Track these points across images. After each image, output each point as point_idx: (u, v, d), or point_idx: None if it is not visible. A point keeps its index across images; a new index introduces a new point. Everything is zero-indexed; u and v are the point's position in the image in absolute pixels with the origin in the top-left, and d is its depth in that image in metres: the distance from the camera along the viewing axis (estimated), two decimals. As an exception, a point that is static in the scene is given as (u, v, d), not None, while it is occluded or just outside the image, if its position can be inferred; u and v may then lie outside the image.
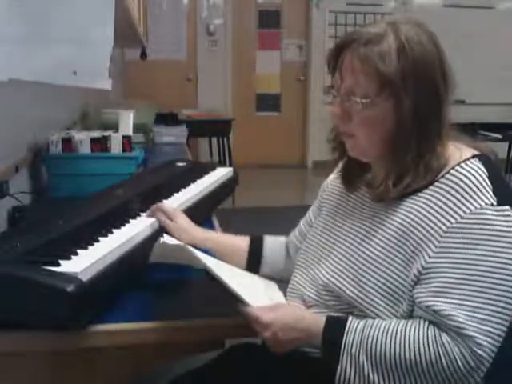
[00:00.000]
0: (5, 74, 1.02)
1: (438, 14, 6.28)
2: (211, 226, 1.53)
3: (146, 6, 3.98)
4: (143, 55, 4.25)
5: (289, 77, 6.53)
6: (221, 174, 1.80)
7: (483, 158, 0.93)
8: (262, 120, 6.63)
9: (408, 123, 0.91)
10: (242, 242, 1.25)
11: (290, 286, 1.12)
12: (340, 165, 1.11)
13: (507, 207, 0.87)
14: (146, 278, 1.11)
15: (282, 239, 1.27)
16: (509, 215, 0.87)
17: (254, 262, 1.23)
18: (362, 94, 0.92)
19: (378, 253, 0.94)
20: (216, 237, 1.28)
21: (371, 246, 0.95)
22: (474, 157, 0.92)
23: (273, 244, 1.25)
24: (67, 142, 1.83)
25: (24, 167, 1.72)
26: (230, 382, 1.03)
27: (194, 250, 0.98)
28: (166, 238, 1.05)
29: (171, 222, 1.22)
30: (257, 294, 1.08)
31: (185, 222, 1.24)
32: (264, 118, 6.64)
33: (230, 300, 0.95)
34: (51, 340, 0.96)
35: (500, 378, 0.92)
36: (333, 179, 1.17)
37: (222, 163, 4.95)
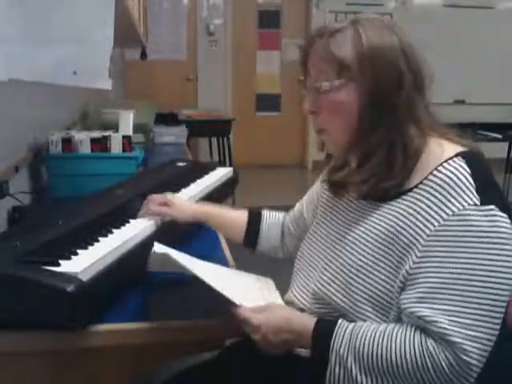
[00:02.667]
0: (5, 74, 1.02)
1: (438, 14, 6.29)
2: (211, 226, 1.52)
3: (145, 5, 3.98)
4: (143, 55, 4.26)
5: (289, 77, 6.52)
6: (221, 174, 1.80)
7: (467, 155, 0.90)
8: (262, 120, 6.63)
9: (369, 106, 0.92)
10: (241, 217, 1.29)
11: (287, 293, 1.12)
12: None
13: (491, 206, 0.84)
14: (145, 278, 1.11)
15: (279, 217, 1.29)
16: (493, 215, 0.84)
17: (251, 238, 1.27)
18: (324, 79, 0.95)
19: (365, 260, 0.92)
20: (214, 212, 1.31)
21: (358, 253, 0.94)
22: (457, 155, 0.90)
23: (270, 222, 1.28)
24: (67, 142, 1.83)
25: (24, 167, 1.72)
26: (230, 382, 1.04)
27: (180, 260, 0.98)
28: (155, 247, 1.04)
29: (166, 207, 1.26)
30: (249, 293, 1.07)
31: (179, 201, 1.30)
32: (264, 118, 6.64)
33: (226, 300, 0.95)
34: (51, 340, 0.96)
35: (495, 380, 0.91)
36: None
37: (222, 163, 4.94)
